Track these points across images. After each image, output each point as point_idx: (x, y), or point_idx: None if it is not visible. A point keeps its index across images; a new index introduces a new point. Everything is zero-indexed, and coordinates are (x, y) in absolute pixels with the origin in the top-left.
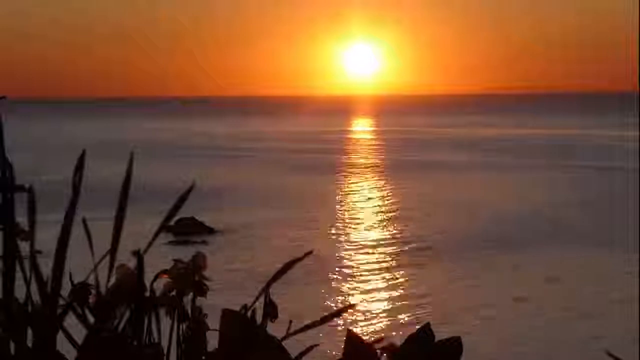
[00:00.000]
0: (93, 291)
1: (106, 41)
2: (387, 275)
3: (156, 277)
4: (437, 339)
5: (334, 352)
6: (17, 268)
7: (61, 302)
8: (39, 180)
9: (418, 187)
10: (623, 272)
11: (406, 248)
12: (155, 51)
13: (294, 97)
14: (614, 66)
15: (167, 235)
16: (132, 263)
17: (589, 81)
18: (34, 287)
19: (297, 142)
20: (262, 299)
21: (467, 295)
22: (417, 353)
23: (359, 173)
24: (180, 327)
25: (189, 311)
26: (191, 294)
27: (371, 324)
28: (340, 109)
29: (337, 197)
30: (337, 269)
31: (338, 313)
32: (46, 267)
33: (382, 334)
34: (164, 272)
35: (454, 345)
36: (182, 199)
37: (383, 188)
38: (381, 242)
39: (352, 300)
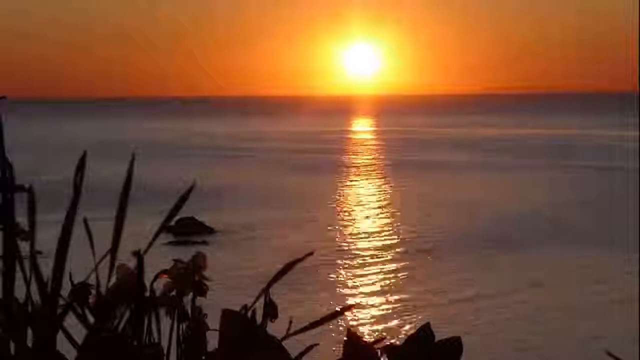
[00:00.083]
0: (93, 291)
1: (106, 41)
2: (387, 275)
3: (156, 277)
4: (437, 339)
5: (334, 352)
6: (17, 268)
7: (61, 302)
8: (39, 180)
9: (418, 187)
10: (623, 272)
11: (406, 248)
12: (155, 51)
13: (294, 97)
14: (614, 66)
15: (167, 235)
16: (132, 263)
17: (589, 81)
18: (34, 287)
19: (297, 142)
20: (262, 299)
21: (467, 295)
22: (417, 353)
23: (359, 173)
24: (180, 327)
25: (189, 311)
26: (191, 294)
27: (371, 324)
28: (341, 109)
29: (337, 197)
30: (337, 269)
31: (338, 314)
32: (46, 267)
33: (382, 334)
34: (164, 272)
35: (454, 345)
36: (183, 199)
37: (383, 188)
38: (381, 242)
39: (352, 300)
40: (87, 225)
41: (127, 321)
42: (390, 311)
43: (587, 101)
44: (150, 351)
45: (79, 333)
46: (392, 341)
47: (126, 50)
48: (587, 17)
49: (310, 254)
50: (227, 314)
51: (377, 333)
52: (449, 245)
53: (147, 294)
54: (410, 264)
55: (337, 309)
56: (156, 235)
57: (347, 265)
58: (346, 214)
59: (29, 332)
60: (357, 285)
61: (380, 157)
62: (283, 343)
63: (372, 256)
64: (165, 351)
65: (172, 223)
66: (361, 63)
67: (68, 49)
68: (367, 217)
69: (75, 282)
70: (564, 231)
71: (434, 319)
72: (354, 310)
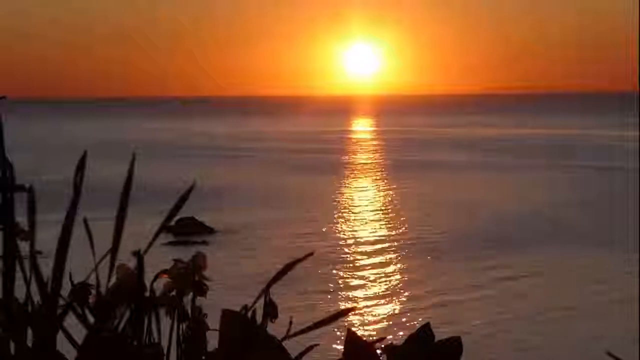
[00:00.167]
0: (93, 291)
1: (106, 41)
2: (387, 275)
3: (156, 277)
4: (437, 339)
5: (334, 352)
6: (17, 268)
7: (61, 302)
8: (39, 180)
9: (418, 187)
10: (623, 272)
11: (406, 248)
12: (155, 51)
13: (294, 97)
14: (614, 66)
15: (167, 235)
16: (132, 263)
17: (589, 81)
18: (34, 287)
19: (297, 142)
20: (262, 299)
21: (467, 295)
22: (417, 353)
23: (359, 173)
24: (180, 327)
25: (189, 311)
26: (191, 294)
27: (371, 324)
28: (341, 109)
29: (337, 197)
30: (337, 269)
31: (339, 315)
32: (46, 267)
33: (382, 334)
34: (164, 272)
35: (454, 345)
36: (183, 199)
37: (383, 188)
38: (381, 242)
39: (352, 300)
40: (87, 225)
41: (127, 321)
42: (390, 311)
43: (587, 101)
44: (150, 351)
45: (79, 333)
46: (392, 341)
47: (126, 50)
48: (587, 17)
49: (311, 254)
50: (227, 314)
51: (377, 333)
52: (448, 245)
53: (147, 294)
54: (410, 263)
55: (338, 310)
56: (156, 235)
57: (347, 265)
58: (346, 214)
59: (30, 332)
60: (357, 285)
61: (380, 157)
62: (283, 343)
63: (372, 256)
64: (165, 351)
65: (172, 223)
66: (361, 63)
67: (68, 49)
68: (367, 217)
69: (75, 282)
70: (564, 231)
71: (434, 319)
72: (354, 310)
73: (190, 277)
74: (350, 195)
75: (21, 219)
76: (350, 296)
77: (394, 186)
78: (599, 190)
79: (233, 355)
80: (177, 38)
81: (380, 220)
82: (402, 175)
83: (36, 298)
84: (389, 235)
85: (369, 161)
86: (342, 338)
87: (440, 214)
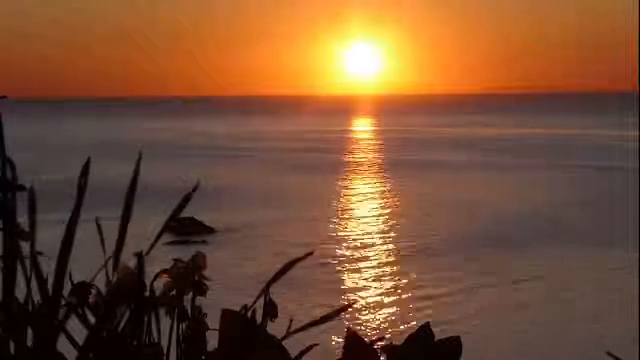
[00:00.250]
0: (93, 291)
1: (106, 41)
2: (387, 275)
3: (156, 277)
4: (437, 339)
5: (334, 352)
6: (18, 268)
7: (62, 302)
8: (39, 180)
9: (418, 187)
10: (623, 272)
11: (406, 248)
12: (155, 51)
13: (295, 97)
14: (614, 66)
15: (167, 235)
16: (132, 263)
17: (589, 81)
18: (34, 287)
19: (297, 142)
20: (262, 299)
21: (467, 295)
22: (417, 353)
23: (359, 173)
24: (180, 327)
25: (189, 311)
26: (191, 294)
27: (371, 324)
28: (341, 109)
29: (337, 197)
30: (337, 269)
31: (338, 312)
32: (47, 267)
33: (382, 334)
34: (164, 272)
35: (454, 345)
36: (187, 199)
37: (383, 188)
38: (381, 242)
39: (352, 300)
40: (99, 226)
41: (127, 321)
42: (390, 311)
43: (587, 101)
44: (150, 351)
45: (79, 333)
46: (392, 341)
47: (126, 50)
48: (587, 17)
49: (311, 254)
50: (227, 314)
51: (376, 333)
52: (448, 245)
53: (147, 294)
54: (410, 263)
55: (337, 308)
56: (159, 236)
57: (347, 265)
58: (346, 213)
59: (30, 332)
60: (357, 285)
61: (381, 156)
62: (283, 343)
63: (371, 256)
64: (165, 351)
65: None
66: (362, 63)
67: (68, 49)
68: (367, 217)
69: (75, 282)
70: (564, 231)
71: (434, 319)
72: (354, 310)
73: (190, 277)
74: (351, 195)
75: (21, 219)
76: (351, 296)
77: (394, 186)
78: (599, 190)
79: (233, 355)
80: (177, 38)
81: (380, 220)
82: (402, 175)
83: (37, 298)
84: (388, 235)
85: (369, 161)
86: (342, 338)
87: (440, 213)
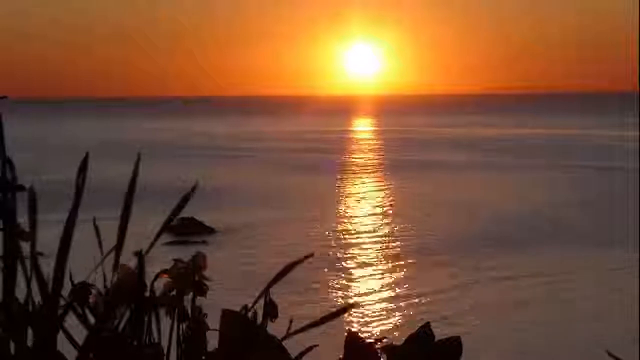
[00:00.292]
0: (93, 291)
1: (106, 41)
2: (387, 275)
3: (156, 277)
4: (437, 338)
5: (334, 352)
6: (18, 268)
7: (62, 302)
8: (39, 180)
9: (418, 187)
10: (623, 272)
11: (406, 248)
12: (155, 51)
13: (295, 97)
14: (614, 66)
15: (167, 235)
16: (132, 263)
17: (589, 81)
18: (34, 287)
19: (297, 141)
20: (262, 300)
21: (467, 295)
22: (417, 353)
23: (359, 173)
24: (180, 327)
25: (189, 311)
26: (191, 294)
27: (371, 324)
28: (341, 109)
29: (337, 197)
30: (337, 269)
31: (338, 313)
32: (47, 267)
33: (382, 334)
34: (164, 272)
35: (454, 345)
36: (186, 199)
37: (383, 188)
38: (381, 242)
39: (352, 300)
40: (96, 226)
41: (127, 321)
42: (390, 311)
43: (587, 101)
44: (150, 351)
45: (79, 333)
46: (392, 341)
47: (126, 50)
48: (587, 17)
49: (311, 255)
50: (227, 314)
51: (376, 333)
52: (448, 245)
53: (147, 294)
54: (410, 264)
55: (337, 308)
56: (158, 235)
57: (347, 266)
58: (346, 214)
59: (30, 332)
60: (357, 286)
61: (381, 156)
62: (283, 343)
63: (372, 256)
64: (165, 351)
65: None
66: (362, 63)
67: (68, 49)
68: (367, 217)
69: (75, 282)
70: (564, 231)
71: (434, 319)
72: (354, 310)
73: (190, 277)
74: (351, 195)
75: (22, 219)
76: (351, 296)
77: (394, 186)
78: (599, 190)
79: (233, 355)
80: (177, 38)
81: (380, 220)
82: (402, 175)
83: (37, 298)
84: (388, 235)
85: (370, 161)
86: (342, 338)
87: (441, 213)
